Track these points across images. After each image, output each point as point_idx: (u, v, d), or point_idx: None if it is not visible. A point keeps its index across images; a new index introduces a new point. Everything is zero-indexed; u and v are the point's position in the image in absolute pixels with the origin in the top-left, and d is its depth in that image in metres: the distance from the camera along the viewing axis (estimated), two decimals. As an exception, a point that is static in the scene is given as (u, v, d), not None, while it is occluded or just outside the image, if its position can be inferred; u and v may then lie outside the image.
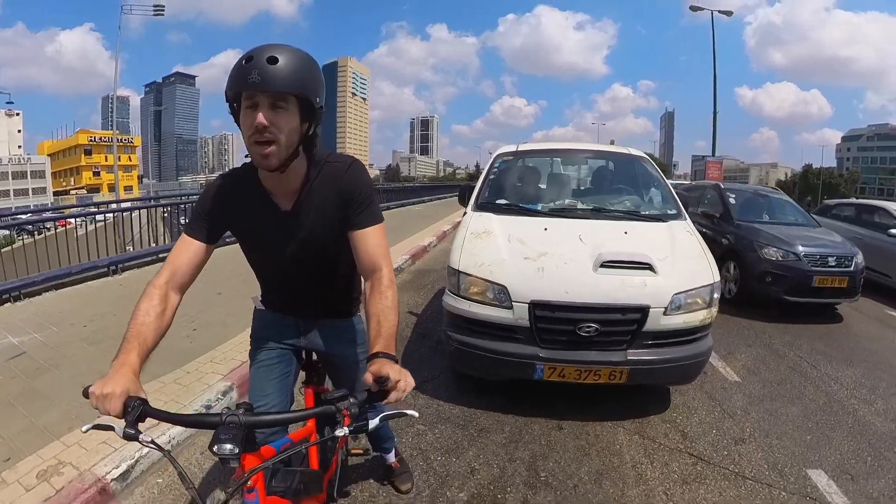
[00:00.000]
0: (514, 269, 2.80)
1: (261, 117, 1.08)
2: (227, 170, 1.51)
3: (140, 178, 77.50)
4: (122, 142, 51.93)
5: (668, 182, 3.99)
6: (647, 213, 3.54)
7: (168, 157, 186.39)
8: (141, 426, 0.94)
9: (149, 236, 7.33)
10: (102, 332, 3.79)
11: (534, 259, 2.83)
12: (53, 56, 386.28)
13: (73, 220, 9.06)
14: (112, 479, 2.08)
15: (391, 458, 2.17)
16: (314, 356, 1.67)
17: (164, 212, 7.73)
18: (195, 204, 1.37)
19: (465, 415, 2.90)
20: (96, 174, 64.54)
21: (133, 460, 2.18)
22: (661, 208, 3.65)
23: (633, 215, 3.45)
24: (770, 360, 4.04)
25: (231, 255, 1.87)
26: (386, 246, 1.31)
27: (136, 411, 0.94)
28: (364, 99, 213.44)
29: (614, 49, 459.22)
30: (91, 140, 66.41)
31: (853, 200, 9.49)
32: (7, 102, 57.14)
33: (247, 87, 1.07)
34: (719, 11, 19.42)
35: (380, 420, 0.99)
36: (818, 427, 2.98)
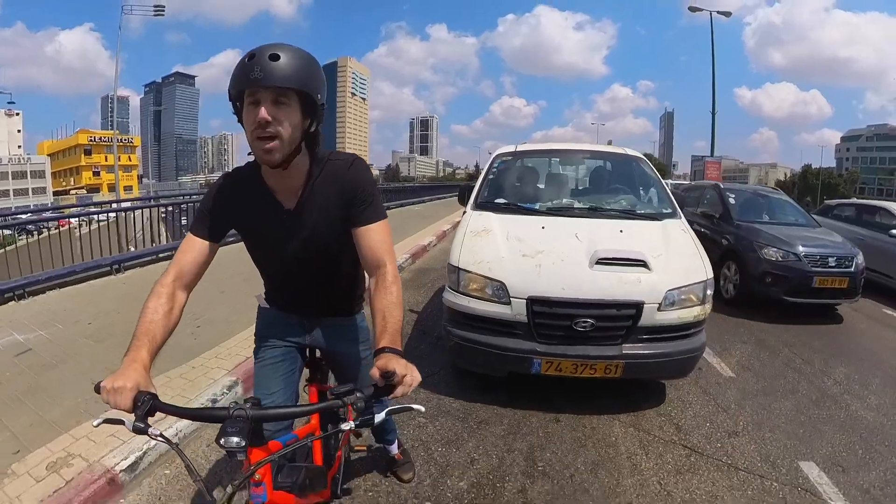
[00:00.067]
0: (513, 266, 2.86)
1: (263, 112, 1.10)
2: (228, 169, 1.52)
3: (140, 177, 77.45)
4: (121, 142, 51.77)
5: (666, 182, 4.04)
6: (642, 211, 3.59)
7: (168, 157, 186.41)
8: (149, 420, 0.95)
9: (150, 235, 7.37)
10: (107, 329, 3.84)
11: (531, 256, 2.89)
12: (53, 56, 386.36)
13: (73, 220, 9.09)
14: (121, 471, 2.13)
15: (394, 449, 2.21)
16: (318, 354, 1.68)
17: (163, 212, 7.75)
18: (200, 203, 1.37)
19: (465, 408, 2.96)
20: (96, 174, 64.47)
21: (141, 452, 2.23)
22: (657, 207, 3.71)
23: (628, 214, 3.50)
24: (765, 357, 4.10)
25: (234, 254, 1.90)
26: (390, 242, 1.31)
27: (146, 406, 0.95)
28: (364, 99, 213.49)
29: (614, 49, 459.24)
30: (91, 140, 66.42)
31: (854, 201, 9.46)
32: (8, 102, 57.42)
33: (249, 83, 1.09)
34: (718, 12, 19.54)
35: (386, 414, 1.00)
36: (811, 421, 3.04)
